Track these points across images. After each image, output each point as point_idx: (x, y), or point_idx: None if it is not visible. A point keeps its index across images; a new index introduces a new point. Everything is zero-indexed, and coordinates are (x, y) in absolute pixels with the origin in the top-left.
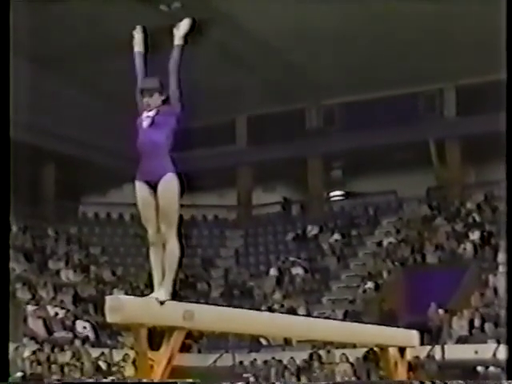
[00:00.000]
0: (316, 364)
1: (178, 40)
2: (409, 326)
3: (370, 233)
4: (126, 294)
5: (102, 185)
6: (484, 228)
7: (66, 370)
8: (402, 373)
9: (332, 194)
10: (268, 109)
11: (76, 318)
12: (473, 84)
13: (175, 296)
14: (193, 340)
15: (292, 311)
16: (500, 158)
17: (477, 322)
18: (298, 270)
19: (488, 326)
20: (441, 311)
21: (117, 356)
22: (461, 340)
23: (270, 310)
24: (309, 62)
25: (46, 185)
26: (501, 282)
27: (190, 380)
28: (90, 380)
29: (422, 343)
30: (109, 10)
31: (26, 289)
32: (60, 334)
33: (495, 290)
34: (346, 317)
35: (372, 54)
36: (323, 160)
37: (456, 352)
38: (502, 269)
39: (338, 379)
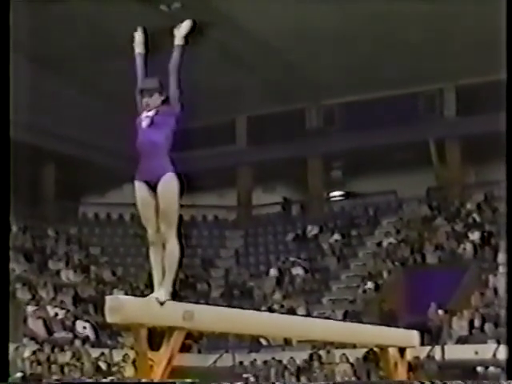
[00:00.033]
0: (316, 364)
1: (178, 40)
2: (409, 327)
3: (370, 233)
4: (126, 294)
5: (102, 185)
6: (484, 228)
7: (66, 370)
8: (401, 373)
9: (332, 194)
10: (268, 109)
11: (76, 318)
12: (473, 84)
13: (175, 296)
14: (193, 340)
15: (292, 311)
16: (500, 158)
17: (477, 323)
18: (298, 270)
19: (488, 327)
20: (441, 311)
21: (117, 356)
22: (461, 340)
23: (270, 310)
24: (309, 62)
25: (46, 185)
26: (501, 282)
27: (189, 380)
28: (90, 380)
29: (422, 343)
30: (109, 10)
31: (26, 289)
32: (60, 335)
33: (495, 291)
34: (346, 317)
35: (372, 54)
36: (323, 160)
37: (456, 352)
38: (501, 269)
39: (338, 379)
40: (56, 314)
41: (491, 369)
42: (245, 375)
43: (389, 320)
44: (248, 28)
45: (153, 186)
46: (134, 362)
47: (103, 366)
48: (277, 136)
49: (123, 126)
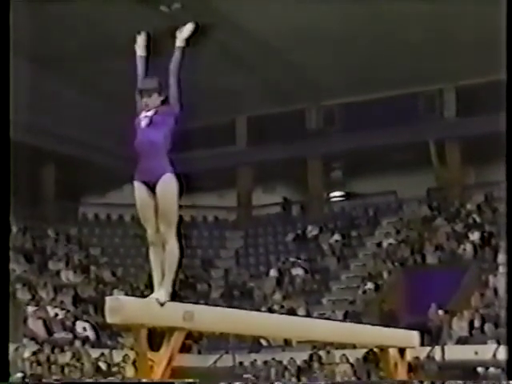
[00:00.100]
0: (316, 365)
1: (180, 42)
2: (409, 327)
3: (370, 233)
4: (126, 294)
5: (102, 185)
6: (484, 229)
7: (66, 370)
8: (401, 373)
9: (332, 194)
10: (268, 109)
11: (76, 318)
12: (473, 84)
13: (175, 296)
14: (193, 341)
15: (292, 312)
16: (500, 159)
17: (477, 323)
18: (298, 271)
19: (488, 327)
20: (441, 312)
21: (117, 357)
22: (461, 341)
23: (270, 310)
24: (309, 62)
25: (45, 185)
26: (501, 282)
27: (189, 380)
28: (90, 380)
29: (422, 344)
30: (109, 10)
31: (26, 289)
32: (60, 335)
33: (495, 291)
34: (346, 317)
35: (372, 54)
36: (323, 160)
37: (456, 353)
38: (501, 269)
39: (338, 380)
40: (56, 315)
41: (491, 369)
42: (245, 375)
43: (389, 320)
44: (248, 28)
45: (152, 187)
46: (134, 363)
47: (103, 366)
48: (277, 136)
49: (123, 126)
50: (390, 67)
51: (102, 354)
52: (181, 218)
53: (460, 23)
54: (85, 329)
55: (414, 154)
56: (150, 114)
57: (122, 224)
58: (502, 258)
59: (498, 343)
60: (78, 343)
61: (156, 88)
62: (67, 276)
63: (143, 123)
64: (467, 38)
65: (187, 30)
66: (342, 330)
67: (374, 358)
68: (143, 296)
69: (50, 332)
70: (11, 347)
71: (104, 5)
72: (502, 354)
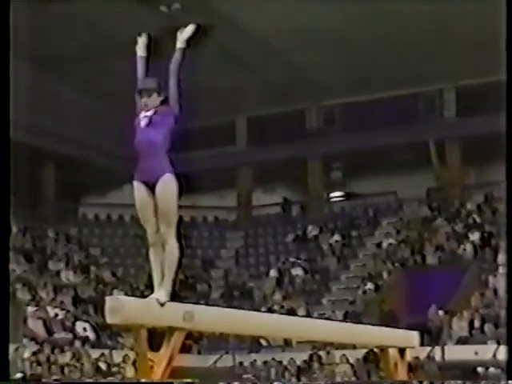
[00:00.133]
0: (316, 365)
1: (180, 43)
2: (409, 327)
3: (370, 234)
4: (126, 294)
5: (102, 185)
6: (484, 229)
7: (66, 370)
8: (401, 374)
9: (332, 194)
10: (268, 109)
11: (76, 318)
12: (473, 85)
13: (174, 297)
14: (193, 341)
15: (292, 312)
16: (500, 159)
17: (477, 323)
18: (297, 271)
19: (488, 327)
20: (441, 312)
21: (117, 357)
22: (461, 341)
23: (270, 310)
24: (309, 62)
25: (45, 185)
26: (501, 282)
27: (189, 380)
28: (90, 380)
29: (422, 344)
30: (109, 10)
31: (26, 290)
32: (60, 335)
33: (495, 291)
34: (346, 318)
35: (372, 54)
36: (323, 161)
37: (456, 353)
38: (501, 270)
39: (338, 380)
40: (56, 315)
41: (491, 369)
42: (245, 376)
43: (389, 321)
44: (248, 28)
45: (151, 187)
46: (134, 363)
47: (103, 366)
48: (277, 137)
49: (123, 126)
50: (390, 67)
51: (102, 355)
52: (181, 218)
53: (460, 23)
54: (85, 329)
55: (414, 154)
56: (149, 113)
57: (122, 224)
58: (501, 258)
59: (498, 343)
60: (77, 343)
61: (155, 88)
62: (67, 276)
63: (143, 123)
64: (467, 37)
65: (188, 31)
66: (342, 330)
67: (374, 358)
68: (143, 296)
69: (49, 332)
70: (11, 347)
71: (104, 5)
72: (501, 354)
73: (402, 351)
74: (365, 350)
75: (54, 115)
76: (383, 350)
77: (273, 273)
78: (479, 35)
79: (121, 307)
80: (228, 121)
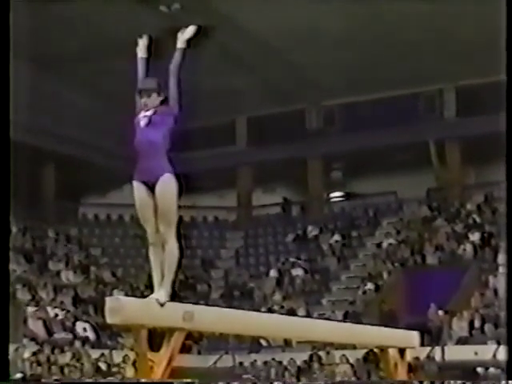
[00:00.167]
0: (316, 365)
1: (181, 43)
2: (409, 327)
3: (370, 234)
4: (126, 295)
5: (102, 185)
6: (484, 229)
7: (66, 371)
8: (401, 374)
9: (332, 194)
10: (268, 109)
11: (76, 319)
12: (473, 85)
13: (174, 297)
14: (193, 341)
15: (292, 312)
16: (500, 159)
17: (477, 323)
18: (298, 271)
19: (488, 327)
20: (441, 312)
21: (117, 357)
22: (461, 341)
23: (270, 311)
24: (309, 62)
25: (45, 185)
26: (501, 282)
27: (189, 380)
28: (90, 381)
29: (422, 344)
30: (109, 10)
31: (26, 290)
32: (60, 335)
33: (495, 291)
34: (346, 318)
35: (372, 54)
36: (323, 161)
37: (456, 353)
38: (502, 270)
39: (338, 380)
40: (56, 315)
41: (491, 370)
42: (245, 376)
43: (389, 321)
44: (248, 28)
45: (151, 187)
46: (134, 363)
47: (103, 366)
48: (277, 137)
49: (123, 126)
50: (390, 67)
51: (102, 355)
52: (181, 218)
53: (460, 23)
54: (85, 329)
55: (414, 154)
56: (149, 113)
57: (122, 224)
58: (501, 258)
59: (498, 343)
60: (78, 344)
61: (155, 88)
62: (67, 276)
63: (142, 123)
64: (467, 38)
65: (189, 32)
66: (342, 330)
67: (373, 358)
68: (143, 296)
69: (49, 332)
70: (11, 347)
71: (104, 5)
72: (501, 354)
73: (401, 351)
74: (365, 350)
75: (53, 115)
76: (383, 350)
77: (273, 273)
78: (479, 35)
79: (121, 307)
80: (228, 121)
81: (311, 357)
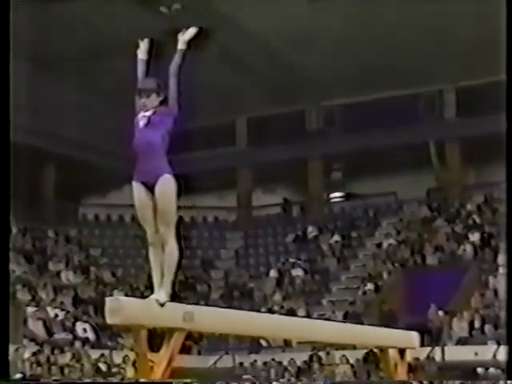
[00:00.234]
0: (316, 365)
1: (181, 45)
2: (409, 328)
3: (370, 234)
4: (126, 295)
5: (102, 186)
6: (484, 229)
7: (65, 371)
8: (401, 374)
9: (332, 195)
10: (268, 110)
11: (76, 319)
12: (473, 85)
13: (174, 297)
14: (193, 341)
15: (292, 312)
16: (500, 160)
17: (477, 324)
18: (297, 272)
19: (488, 328)
20: (441, 312)
21: (117, 357)
22: (461, 341)
23: (270, 311)
24: (309, 62)
25: (45, 186)
26: (501, 283)
27: (188, 380)
28: (90, 381)
29: (422, 344)
30: (109, 10)
31: (26, 290)
32: (60, 336)
33: (495, 292)
34: (346, 318)
35: (372, 54)
36: (323, 161)
37: (456, 353)
38: (501, 270)
39: (338, 380)
40: (56, 315)
41: (491, 370)
42: (245, 376)
43: (389, 321)
44: (248, 28)
45: (150, 187)
46: (134, 364)
47: (103, 367)
48: (277, 137)
49: (123, 127)
50: (390, 67)
51: (102, 355)
52: (180, 218)
53: (460, 23)
54: (85, 330)
55: (414, 154)
56: (148, 114)
57: (122, 225)
58: (501, 258)
59: (498, 344)
60: (77, 344)
61: (154, 88)
62: (67, 277)
63: (141, 123)
64: (467, 38)
65: (189, 33)
66: (342, 330)
67: (373, 358)
68: (143, 297)
69: (49, 333)
70: (11, 348)
71: (104, 5)
72: (501, 354)
73: (401, 352)
74: (365, 351)
75: (53, 116)
76: (383, 350)
77: (273, 273)
78: (479, 35)
79: (121, 308)
80: (228, 121)
81: (311, 357)
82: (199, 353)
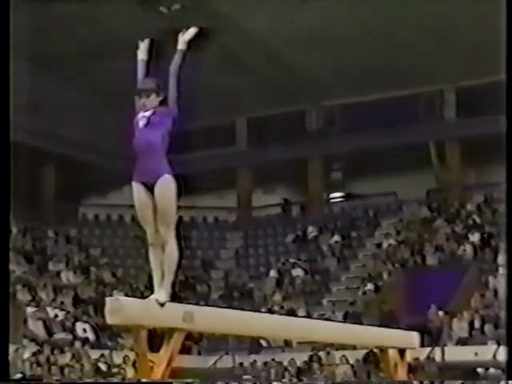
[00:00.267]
0: (316, 366)
1: (181, 45)
2: (409, 328)
3: (370, 234)
4: (126, 295)
5: (102, 186)
6: (484, 230)
7: (65, 371)
8: (401, 374)
9: (332, 195)
10: (268, 110)
11: (76, 319)
12: (473, 85)
13: (174, 297)
14: (193, 342)
15: (292, 313)
16: (500, 160)
17: (477, 324)
18: (297, 272)
19: (488, 328)
20: (441, 313)
21: (117, 358)
22: (461, 341)
23: (270, 311)
24: (309, 63)
25: (45, 186)
26: (501, 283)
27: (189, 380)
28: (90, 381)
29: (422, 345)
30: (109, 10)
31: (26, 290)
32: (60, 336)
33: (495, 292)
34: (346, 318)
35: (372, 54)
36: (323, 161)
37: (456, 353)
38: (501, 270)
39: (338, 381)
40: (56, 316)
41: (491, 370)
42: (245, 376)
43: (389, 321)
44: (248, 28)
45: (150, 188)
46: (134, 364)
47: (103, 367)
48: (277, 137)
49: (123, 127)
50: (390, 67)
51: (102, 355)
52: (180, 218)
53: (460, 23)
54: (85, 330)
55: (414, 154)
56: (147, 114)
57: (122, 225)
58: (501, 258)
59: (498, 344)
60: (77, 344)
61: (154, 88)
62: (67, 277)
63: (141, 123)
64: (467, 38)
65: (189, 33)
66: (342, 330)
67: (374, 358)
68: (143, 297)
69: (49, 333)
70: (11, 348)
71: (104, 5)
72: (501, 354)
73: (401, 352)
74: (365, 351)
75: (53, 116)
76: (383, 350)
77: (273, 273)
78: (479, 35)
79: (121, 308)
80: (228, 121)
81: (311, 357)
82: (199, 353)
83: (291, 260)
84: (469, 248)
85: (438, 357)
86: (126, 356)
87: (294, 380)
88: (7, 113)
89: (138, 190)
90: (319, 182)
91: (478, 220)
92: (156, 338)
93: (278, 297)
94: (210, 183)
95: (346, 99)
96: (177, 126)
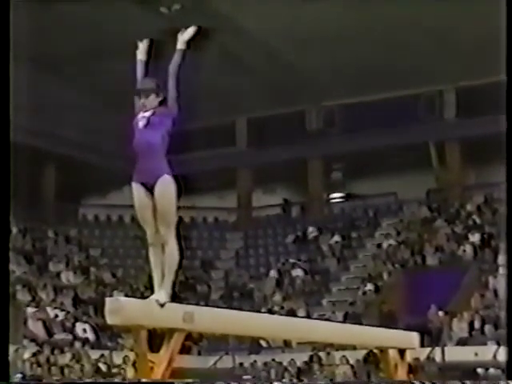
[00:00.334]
0: (316, 366)
1: (180, 44)
2: (409, 328)
3: (370, 235)
4: (126, 295)
5: (102, 186)
6: (484, 230)
7: (65, 371)
8: (401, 374)
9: (332, 195)
10: (268, 110)
11: (76, 319)
12: (473, 85)
13: (174, 298)
14: (193, 342)
15: (292, 313)
16: (500, 160)
17: (477, 324)
18: (297, 272)
19: (488, 328)
20: (441, 313)
21: (117, 358)
22: (461, 342)
23: (270, 311)
24: (309, 63)
25: (45, 186)
26: (501, 283)
27: (189, 380)
28: (90, 381)
29: (422, 345)
30: (109, 10)
31: (26, 291)
32: (60, 336)
33: (495, 292)
34: (346, 319)
35: (372, 54)
36: (323, 162)
37: (456, 354)
38: (501, 271)
39: (339, 381)
40: (56, 316)
41: (491, 370)
42: (245, 377)
43: (389, 321)
44: (248, 29)
45: (150, 188)
46: (134, 364)
47: (103, 367)
48: (277, 138)
49: (123, 127)
50: (389, 67)
51: (102, 356)
52: (181, 219)
53: (460, 23)
54: (85, 330)
55: (414, 155)
56: (147, 114)
57: (122, 225)
58: (501, 259)
59: (498, 344)
60: (77, 344)
61: (153, 89)
62: (67, 277)
63: (141, 124)
64: (467, 38)
65: (188, 33)
66: (342, 331)
67: (374, 359)
68: (143, 297)
69: (49, 333)
70: (11, 348)
71: (104, 5)
72: (502, 355)
73: (402, 352)
74: (365, 351)
75: (53, 116)
76: (383, 350)
77: (273, 274)
78: (479, 35)
79: (121, 308)
80: (228, 121)
81: (311, 358)
82: (199, 353)
83: (291, 260)
84: (469, 248)
85: (438, 357)
86: (126, 356)
87: (294, 380)
88: (7, 113)
89: (137, 190)
90: (319, 182)
91: (478, 220)
92: (156, 339)
93: (277, 297)
94: (210, 183)
95: (346, 99)
96: (177, 126)
